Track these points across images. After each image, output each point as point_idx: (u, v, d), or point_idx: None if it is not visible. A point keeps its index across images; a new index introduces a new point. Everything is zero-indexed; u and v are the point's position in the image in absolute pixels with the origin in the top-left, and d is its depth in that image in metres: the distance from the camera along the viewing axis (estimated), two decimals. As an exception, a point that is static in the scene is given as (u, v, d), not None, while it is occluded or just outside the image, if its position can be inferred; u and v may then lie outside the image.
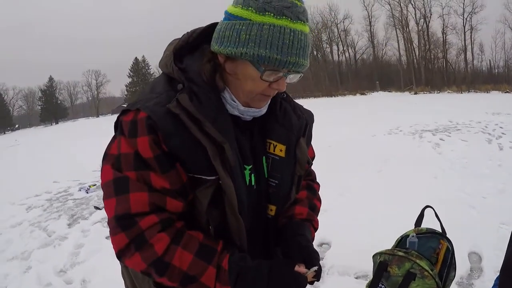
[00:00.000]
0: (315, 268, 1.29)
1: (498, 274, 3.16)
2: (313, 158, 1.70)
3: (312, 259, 1.33)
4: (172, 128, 1.14)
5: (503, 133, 10.11)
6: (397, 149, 8.94)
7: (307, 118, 1.49)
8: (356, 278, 3.50)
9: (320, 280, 3.42)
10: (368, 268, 3.58)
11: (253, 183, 1.35)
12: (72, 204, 6.92)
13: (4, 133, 56.64)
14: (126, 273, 1.53)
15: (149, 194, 1.15)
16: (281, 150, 1.38)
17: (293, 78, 1.24)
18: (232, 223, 1.25)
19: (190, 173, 1.20)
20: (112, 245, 1.19)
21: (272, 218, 1.43)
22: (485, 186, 5.75)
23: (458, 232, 3.74)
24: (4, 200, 7.53)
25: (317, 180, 1.73)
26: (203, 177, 1.19)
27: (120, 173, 1.16)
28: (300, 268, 1.25)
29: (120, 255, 1.17)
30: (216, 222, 1.24)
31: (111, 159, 1.19)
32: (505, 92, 31.90)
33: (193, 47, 1.30)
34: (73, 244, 4.93)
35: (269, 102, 1.35)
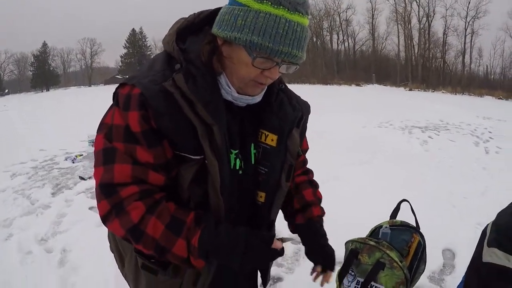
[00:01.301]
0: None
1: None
2: (306, 150, 1.78)
3: (332, 261, 1.68)
4: (163, 106, 1.17)
5: (491, 138, 10.20)
6: (386, 142, 9.01)
7: (303, 110, 1.52)
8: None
9: (296, 264, 3.53)
10: (343, 255, 3.66)
11: (237, 167, 1.37)
12: (57, 173, 6.89)
13: (-7, 97, 55.56)
14: (112, 236, 1.64)
15: (133, 167, 1.20)
16: (272, 140, 1.42)
17: (287, 68, 1.26)
18: (213, 202, 1.28)
19: (176, 150, 1.23)
20: (98, 211, 1.26)
21: (262, 204, 1.48)
22: (467, 187, 5.85)
23: (436, 228, 3.87)
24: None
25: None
26: (189, 156, 1.23)
27: (110, 143, 1.22)
28: (278, 243, 1.27)
29: (104, 220, 1.24)
30: (197, 199, 1.29)
31: (104, 128, 1.25)
32: (499, 98, 32.06)
33: (197, 29, 1.32)
34: (56, 213, 4.93)
35: (264, 91, 1.39)
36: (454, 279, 3.33)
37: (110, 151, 1.21)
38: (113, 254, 1.67)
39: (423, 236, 2.40)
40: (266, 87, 1.37)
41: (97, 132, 1.28)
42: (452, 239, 3.99)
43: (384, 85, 45.18)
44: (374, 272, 2.13)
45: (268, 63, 1.19)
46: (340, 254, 3.56)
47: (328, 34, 62.87)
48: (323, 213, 1.79)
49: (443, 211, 4.82)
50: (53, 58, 78.93)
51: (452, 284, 3.27)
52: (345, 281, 2.22)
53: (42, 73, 71.95)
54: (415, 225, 2.46)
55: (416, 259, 2.30)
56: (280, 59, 1.18)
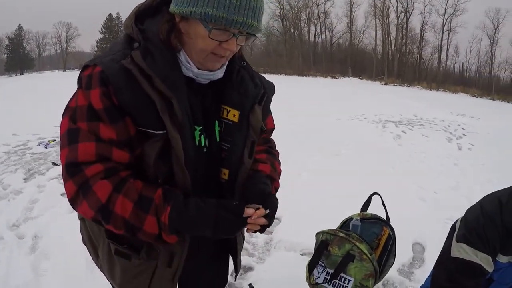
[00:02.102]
0: (265, 210, 1.35)
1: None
2: (272, 129, 1.76)
3: (271, 203, 1.41)
4: (123, 82, 1.20)
5: (464, 134, 10.43)
6: (359, 135, 9.13)
7: (266, 88, 1.53)
8: (302, 254, 3.59)
9: (267, 254, 3.56)
10: (313, 246, 3.69)
11: (202, 144, 1.40)
12: (30, 158, 6.79)
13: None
14: (84, 227, 1.62)
15: (97, 144, 1.22)
16: (234, 116, 1.43)
17: (244, 40, 1.30)
18: (178, 177, 1.30)
19: (139, 126, 1.25)
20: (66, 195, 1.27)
21: (226, 182, 1.48)
22: (438, 182, 5.98)
23: (406, 222, 3.90)
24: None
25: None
26: (152, 131, 1.24)
27: (74, 124, 1.23)
28: (249, 210, 1.30)
29: (72, 203, 1.25)
30: (164, 176, 1.30)
31: (69, 111, 1.26)
32: (473, 96, 32.77)
33: (156, 11, 1.35)
34: (28, 199, 4.86)
35: (225, 66, 1.42)
36: (423, 273, 3.39)
37: (74, 132, 1.22)
38: (86, 247, 1.67)
39: (393, 229, 2.45)
40: (226, 62, 1.41)
41: (62, 117, 1.29)
42: (421, 233, 4.07)
43: (360, 78, 45.51)
44: (344, 264, 2.17)
45: (225, 34, 1.23)
46: (310, 246, 3.66)
47: (306, 25, 62.57)
48: (276, 179, 1.64)
49: (414, 205, 4.92)
50: (28, 42, 76.88)
51: (421, 277, 3.33)
52: (315, 271, 2.27)
53: (17, 56, 69.89)
54: (385, 218, 2.50)
55: (385, 252, 2.35)
56: (236, 30, 1.22)
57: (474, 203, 1.95)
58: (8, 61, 70.04)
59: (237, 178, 1.48)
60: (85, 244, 1.67)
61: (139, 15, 1.32)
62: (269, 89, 1.57)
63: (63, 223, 3.94)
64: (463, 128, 11.40)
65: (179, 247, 1.45)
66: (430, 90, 36.41)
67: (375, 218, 2.45)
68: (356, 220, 2.39)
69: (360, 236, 2.27)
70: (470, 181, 6.14)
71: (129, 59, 1.21)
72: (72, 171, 1.21)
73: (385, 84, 39.77)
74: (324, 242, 2.27)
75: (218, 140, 1.45)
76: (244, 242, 2.02)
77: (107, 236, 1.42)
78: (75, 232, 1.78)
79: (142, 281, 1.50)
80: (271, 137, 1.80)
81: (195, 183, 1.34)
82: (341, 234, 2.23)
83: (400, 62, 54.00)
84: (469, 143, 9.25)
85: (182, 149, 1.25)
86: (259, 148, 1.66)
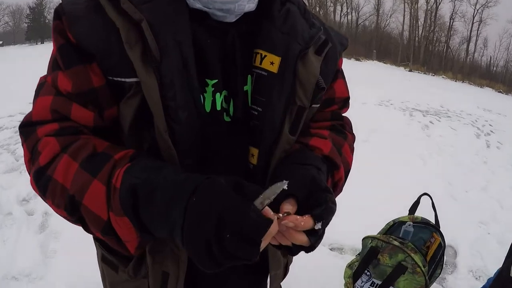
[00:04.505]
0: (313, 221, 0.78)
1: (471, 273, 3.10)
2: (344, 99, 1.18)
3: (325, 211, 0.80)
4: (80, 10, 0.86)
5: (491, 131, 9.96)
6: (386, 121, 8.72)
7: (331, 35, 1.04)
8: (331, 249, 3.38)
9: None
10: (343, 241, 3.48)
11: (218, 108, 0.93)
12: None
13: (-12, 49, 54.11)
14: None
15: (54, 98, 0.88)
16: (272, 63, 0.93)
17: None
18: (164, 154, 0.87)
19: (109, 75, 0.87)
20: None
21: (254, 169, 0.97)
22: (468, 180, 5.62)
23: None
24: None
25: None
26: (121, 79, 0.86)
27: (43, 79, 0.93)
28: (267, 211, 0.72)
29: (30, 175, 0.89)
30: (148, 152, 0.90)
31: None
32: (498, 92, 31.88)
33: None
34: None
35: None
36: (455, 280, 3.16)
37: (39, 86, 0.92)
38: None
39: (443, 237, 2.17)
40: None
41: None
42: (453, 235, 3.74)
43: (384, 62, 44.67)
44: (395, 276, 1.88)
45: None
46: (339, 240, 3.42)
47: (332, 5, 61.61)
48: (338, 166, 1.03)
49: (445, 204, 4.54)
50: (49, 11, 76.53)
51: (454, 284, 3.09)
52: (358, 281, 1.98)
53: (38, 25, 69.93)
54: (434, 223, 2.24)
55: (433, 262, 2.08)
56: None
57: (505, 208, 1.77)
58: (29, 30, 70.35)
59: (271, 162, 0.96)
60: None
61: None
62: (337, 38, 1.07)
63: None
64: (490, 125, 10.88)
65: (173, 265, 0.98)
66: (456, 81, 35.57)
67: (425, 223, 2.17)
68: (409, 225, 2.09)
69: (414, 245, 1.98)
70: (500, 183, 5.74)
71: None
72: (25, 132, 0.89)
73: (410, 70, 38.93)
74: (374, 249, 1.97)
75: (250, 104, 0.96)
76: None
77: (94, 237, 1.04)
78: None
79: None
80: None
81: (206, 171, 0.82)
82: (395, 243, 1.93)
83: (426, 50, 53.11)
84: (498, 141, 8.78)
85: (165, 109, 0.82)
86: (320, 124, 1.12)
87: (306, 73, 0.93)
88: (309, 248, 0.82)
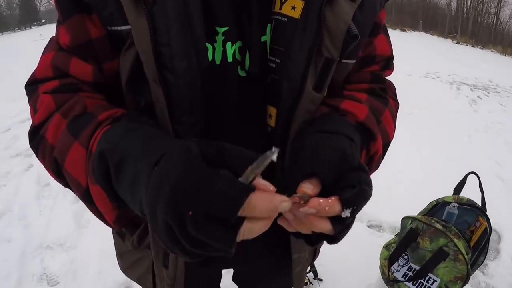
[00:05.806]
0: (341, 207, 0.61)
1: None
2: (387, 58, 1.01)
3: (358, 195, 0.63)
4: None
5: (542, 112, 9.48)
6: (432, 94, 8.40)
7: None
8: (369, 226, 3.26)
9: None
10: (382, 218, 3.33)
11: (230, 59, 0.79)
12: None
13: (31, 27, 53.89)
14: None
15: (55, 54, 0.83)
16: (294, 8, 0.76)
17: None
18: (157, 112, 0.76)
19: (108, 25, 0.76)
20: None
21: (272, 131, 0.84)
22: (516, 160, 5.32)
23: (480, 202, 3.44)
24: (19, 95, 7.16)
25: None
26: (119, 28, 0.75)
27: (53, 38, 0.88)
28: (261, 182, 0.56)
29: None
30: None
31: None
32: (551, 69, 30.55)
33: None
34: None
35: None
36: (497, 267, 2.97)
37: (46, 45, 0.88)
38: None
39: (489, 222, 2.01)
40: None
41: None
42: (498, 218, 3.51)
43: (431, 34, 43.28)
44: (434, 262, 1.73)
45: None
46: (378, 217, 3.28)
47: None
48: (376, 137, 0.86)
49: (490, 183, 4.25)
50: None
51: (496, 272, 2.91)
52: (394, 264, 1.86)
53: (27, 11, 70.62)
54: (480, 205, 2.08)
55: (477, 248, 1.92)
56: None
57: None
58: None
59: (291, 124, 0.81)
60: None
61: None
62: None
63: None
64: (541, 104, 10.42)
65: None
66: (505, 55, 34.06)
67: (470, 205, 2.00)
68: (454, 206, 1.93)
69: (458, 229, 1.83)
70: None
71: None
72: (29, 90, 0.86)
73: (457, 43, 37.54)
74: (413, 231, 1.82)
75: (268, 55, 0.81)
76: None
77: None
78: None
79: (143, 274, 1.05)
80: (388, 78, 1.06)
81: (214, 135, 0.76)
82: (438, 226, 1.78)
83: (475, 22, 50.87)
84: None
85: (157, 56, 0.69)
86: (357, 86, 0.95)
87: (334, 19, 0.75)
88: (332, 239, 0.67)
